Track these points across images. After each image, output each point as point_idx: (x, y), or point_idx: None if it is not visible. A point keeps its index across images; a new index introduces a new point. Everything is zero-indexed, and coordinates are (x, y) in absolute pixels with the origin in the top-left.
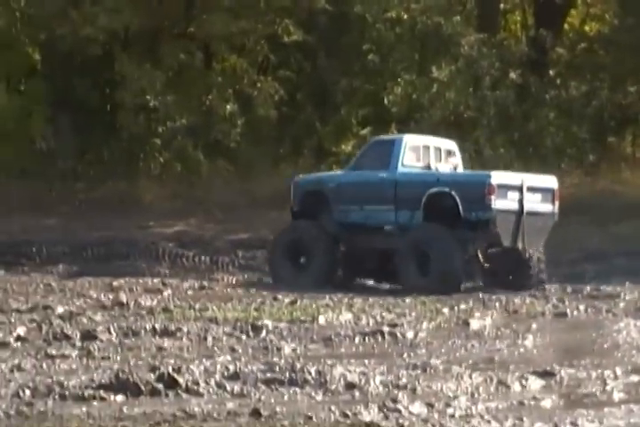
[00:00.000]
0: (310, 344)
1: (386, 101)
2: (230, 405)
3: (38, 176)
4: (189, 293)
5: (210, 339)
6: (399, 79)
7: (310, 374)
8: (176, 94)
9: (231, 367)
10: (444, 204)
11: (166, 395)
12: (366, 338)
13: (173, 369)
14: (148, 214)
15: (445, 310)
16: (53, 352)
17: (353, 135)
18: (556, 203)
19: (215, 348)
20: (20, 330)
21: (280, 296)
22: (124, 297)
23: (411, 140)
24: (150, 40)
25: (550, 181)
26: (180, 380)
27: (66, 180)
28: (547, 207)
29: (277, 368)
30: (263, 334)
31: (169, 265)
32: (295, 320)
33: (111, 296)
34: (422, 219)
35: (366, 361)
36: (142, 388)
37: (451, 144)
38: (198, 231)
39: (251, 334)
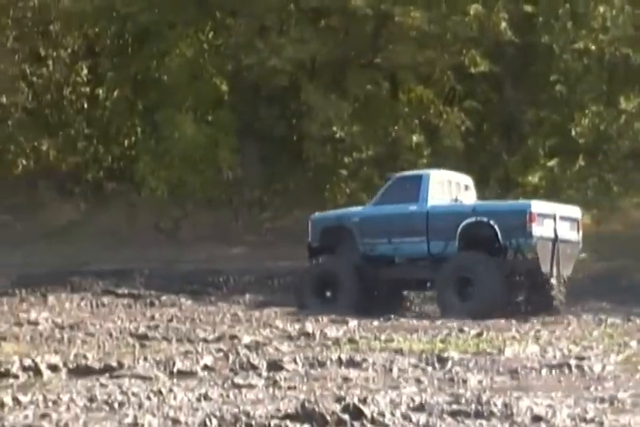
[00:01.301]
0: (496, 376)
1: (573, 132)
2: None
3: (225, 205)
4: (375, 324)
5: (395, 370)
6: (586, 110)
7: (496, 406)
8: (362, 125)
9: (417, 399)
10: (480, 233)
11: (352, 426)
12: (553, 371)
13: (359, 400)
14: None
15: (633, 344)
16: (240, 382)
17: (539, 166)
18: (580, 232)
19: (401, 379)
20: (207, 359)
21: (466, 328)
22: (309, 327)
23: (436, 176)
24: (336, 70)
25: (576, 212)
26: (366, 411)
27: (252, 209)
28: (574, 235)
29: (463, 400)
30: (449, 365)
31: None
32: (481, 352)
33: (297, 326)
34: (457, 249)
35: (553, 394)
36: (328, 418)
37: (467, 179)
38: None
39: (436, 365)
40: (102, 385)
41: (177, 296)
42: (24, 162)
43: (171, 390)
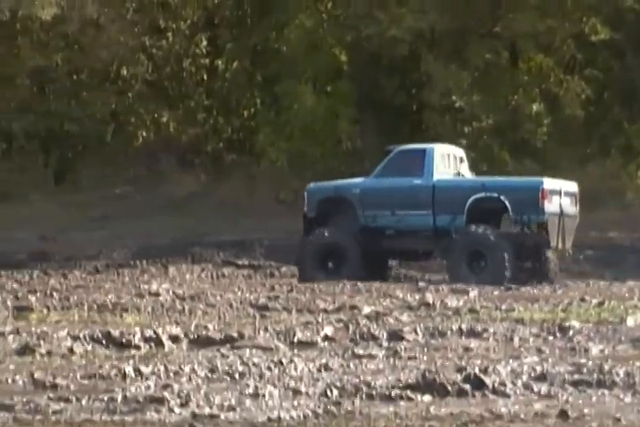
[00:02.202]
0: (618, 346)
1: None
2: (537, 406)
3: (344, 176)
4: (495, 293)
5: (516, 340)
6: None
7: (619, 375)
8: (482, 94)
9: (538, 368)
10: (490, 208)
11: (473, 396)
12: None
13: (480, 370)
14: None
15: None
16: (360, 352)
17: None
18: (578, 206)
19: (522, 349)
20: (328, 330)
21: (587, 297)
22: (430, 297)
23: (438, 149)
24: (456, 40)
25: (575, 187)
26: (487, 381)
27: None
28: (574, 210)
29: (585, 370)
30: (570, 335)
31: None
32: (603, 321)
33: (417, 297)
34: (465, 222)
35: None
36: (449, 388)
37: (462, 152)
38: None
39: (558, 335)
40: (223, 356)
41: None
42: (144, 134)
43: (291, 361)
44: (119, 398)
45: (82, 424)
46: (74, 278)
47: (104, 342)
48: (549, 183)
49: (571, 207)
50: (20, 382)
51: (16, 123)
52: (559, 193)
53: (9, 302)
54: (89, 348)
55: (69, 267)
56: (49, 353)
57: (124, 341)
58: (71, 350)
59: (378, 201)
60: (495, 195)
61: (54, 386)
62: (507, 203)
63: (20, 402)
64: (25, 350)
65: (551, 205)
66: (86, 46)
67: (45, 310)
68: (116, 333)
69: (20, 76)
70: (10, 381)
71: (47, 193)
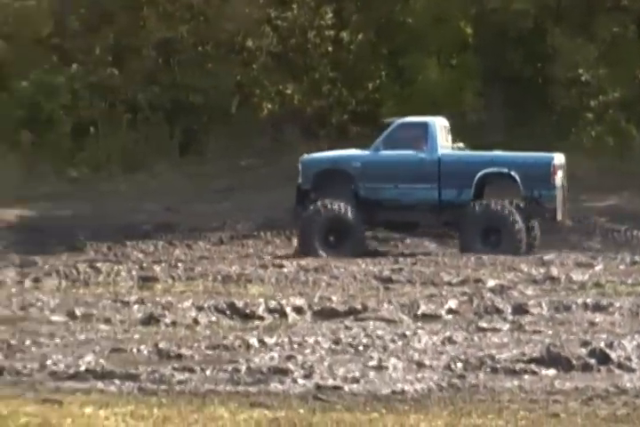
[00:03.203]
0: None
1: None
2: None
3: (469, 149)
4: (621, 267)
5: None
6: None
7: None
8: (608, 67)
9: None
10: (499, 183)
11: (598, 370)
12: None
13: (605, 344)
14: (578, 188)
15: None
16: (484, 325)
17: None
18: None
19: None
20: (452, 303)
21: None
22: (555, 271)
23: (438, 122)
24: (583, 13)
25: (563, 159)
26: (613, 355)
27: None
28: (565, 182)
29: None
30: None
31: (600, 240)
32: None
33: (542, 270)
34: (472, 197)
35: None
36: (574, 362)
37: (447, 123)
38: (630, 206)
39: None
40: (347, 328)
41: (420, 239)
42: (269, 105)
43: (415, 333)
44: (243, 368)
45: (206, 394)
46: (198, 249)
47: (228, 312)
48: (557, 158)
49: (564, 180)
50: (145, 352)
51: (142, 94)
52: (561, 167)
53: (134, 273)
54: (213, 318)
55: (194, 238)
56: (173, 323)
57: (248, 312)
58: (195, 321)
59: (380, 174)
60: (505, 170)
61: (179, 356)
62: (517, 178)
63: (145, 372)
64: (150, 320)
65: (557, 180)
66: (211, 18)
67: (170, 281)
68: (240, 304)
69: (145, 47)
70: (135, 350)
71: (172, 164)
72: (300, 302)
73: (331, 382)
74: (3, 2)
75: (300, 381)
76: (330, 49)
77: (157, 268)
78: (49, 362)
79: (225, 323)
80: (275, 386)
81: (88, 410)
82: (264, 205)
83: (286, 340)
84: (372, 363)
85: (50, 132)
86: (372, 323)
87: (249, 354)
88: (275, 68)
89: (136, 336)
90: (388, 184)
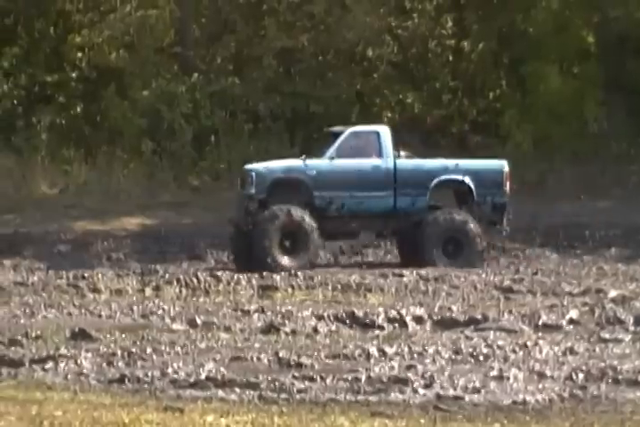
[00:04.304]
0: None
1: None
2: None
3: (591, 158)
4: None
5: None
6: None
7: None
8: None
9: None
10: (453, 190)
11: None
12: None
13: None
14: None
15: None
16: (606, 336)
17: None
18: None
19: None
20: (573, 313)
21: None
22: None
23: (387, 131)
24: None
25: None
26: None
27: (619, 162)
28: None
29: None
30: None
31: None
32: None
33: None
34: (427, 204)
35: None
36: None
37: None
38: None
39: None
40: (467, 338)
41: (542, 249)
42: (389, 114)
43: (536, 344)
44: (363, 378)
45: (326, 403)
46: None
47: (348, 321)
48: (507, 165)
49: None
50: (265, 361)
51: (263, 103)
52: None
53: (254, 281)
54: (333, 327)
55: None
56: (293, 332)
57: (367, 321)
58: (315, 330)
59: (335, 182)
60: (460, 177)
61: (299, 365)
62: (471, 185)
63: (265, 380)
64: (270, 328)
65: (508, 186)
66: (332, 27)
67: (290, 290)
68: (360, 313)
69: (266, 56)
70: (255, 359)
71: None
72: (419, 311)
73: (451, 391)
74: (124, 11)
75: (421, 390)
76: (450, 58)
77: (277, 277)
78: (170, 370)
79: (345, 332)
80: (395, 396)
81: (209, 418)
82: None
83: (406, 349)
84: (493, 373)
85: (171, 141)
86: (492, 333)
87: (369, 363)
88: (395, 78)
89: (256, 345)
90: (343, 193)
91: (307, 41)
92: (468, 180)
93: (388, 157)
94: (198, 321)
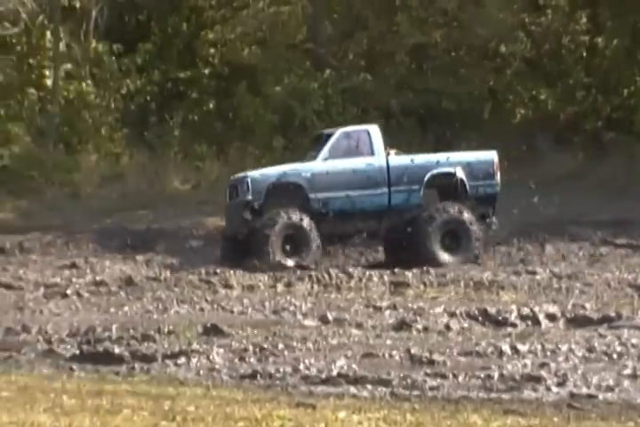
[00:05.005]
0: None
1: None
2: None
3: None
4: None
5: None
6: None
7: None
8: None
9: None
10: (446, 184)
11: None
12: None
13: None
14: None
15: None
16: None
17: None
18: None
19: None
20: None
21: None
22: None
23: (377, 129)
24: None
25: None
26: None
27: None
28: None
29: None
30: None
31: None
32: None
33: None
34: (421, 200)
35: None
36: None
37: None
38: None
39: None
40: (601, 336)
41: None
42: (522, 111)
43: None
44: (496, 375)
45: (458, 401)
46: None
47: (480, 319)
48: (496, 156)
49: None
50: (397, 358)
51: (394, 100)
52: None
53: (386, 278)
54: (465, 325)
55: None
56: (425, 329)
57: (500, 318)
58: (447, 327)
59: (331, 183)
60: (451, 170)
61: (431, 362)
62: (463, 177)
63: (397, 377)
64: (402, 325)
65: (498, 178)
66: (465, 23)
67: (422, 286)
68: (492, 310)
69: (399, 53)
70: (387, 356)
71: None
72: (552, 309)
73: (585, 390)
74: (257, 7)
75: (554, 389)
76: (584, 54)
77: (409, 273)
78: (301, 366)
79: (477, 329)
80: (528, 394)
81: (341, 415)
82: (517, 210)
83: (539, 347)
84: (627, 371)
85: (302, 138)
86: (626, 331)
87: (501, 361)
88: (528, 74)
89: (388, 342)
90: (339, 193)
91: (439, 37)
92: (460, 172)
93: (380, 155)
94: (330, 317)
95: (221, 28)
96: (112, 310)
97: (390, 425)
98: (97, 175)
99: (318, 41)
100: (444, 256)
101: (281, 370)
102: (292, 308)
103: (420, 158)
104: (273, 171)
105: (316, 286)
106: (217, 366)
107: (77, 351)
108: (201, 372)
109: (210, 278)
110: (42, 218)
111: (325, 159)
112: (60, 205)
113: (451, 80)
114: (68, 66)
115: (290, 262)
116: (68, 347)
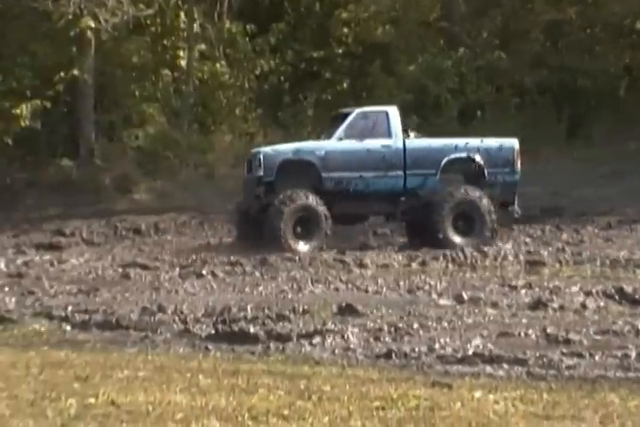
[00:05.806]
0: None
1: None
2: None
3: None
4: None
5: None
6: None
7: None
8: None
9: None
10: (464, 169)
11: None
12: None
13: None
14: None
15: None
16: None
17: None
18: None
19: None
20: None
21: None
22: None
23: (396, 111)
24: None
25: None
26: None
27: None
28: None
29: None
30: None
31: None
32: None
33: None
34: (437, 184)
35: None
36: None
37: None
38: None
39: None
40: None
41: None
42: None
43: None
44: (633, 354)
45: (595, 380)
46: (586, 234)
47: (617, 297)
48: (517, 143)
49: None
50: (533, 337)
51: (529, 77)
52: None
53: (521, 257)
54: (601, 303)
55: (581, 222)
56: (561, 308)
57: (637, 297)
58: (584, 306)
59: (344, 163)
60: (471, 155)
61: (567, 341)
62: (482, 163)
63: (533, 357)
64: (537, 304)
65: (519, 165)
66: (600, 0)
67: (558, 265)
68: (628, 289)
69: (534, 30)
70: (522, 335)
71: (559, 148)
72: None
73: None
74: None
75: None
76: None
77: (545, 252)
78: (437, 346)
79: (613, 308)
80: None
81: (477, 394)
82: None
83: None
84: None
85: (437, 116)
86: None
87: (639, 340)
88: None
89: (524, 321)
90: (352, 173)
91: (574, 14)
92: (478, 158)
93: (397, 137)
94: (465, 296)
95: (355, 7)
96: (247, 289)
97: (527, 405)
98: (231, 155)
99: (452, 19)
100: (457, 239)
101: (416, 349)
102: (426, 287)
103: (438, 142)
104: (286, 147)
105: (450, 265)
106: (352, 346)
107: (213, 331)
108: (336, 351)
109: (344, 258)
110: (176, 199)
111: (340, 139)
112: (194, 185)
113: (586, 57)
114: (202, 46)
115: (298, 245)
116: (204, 327)
